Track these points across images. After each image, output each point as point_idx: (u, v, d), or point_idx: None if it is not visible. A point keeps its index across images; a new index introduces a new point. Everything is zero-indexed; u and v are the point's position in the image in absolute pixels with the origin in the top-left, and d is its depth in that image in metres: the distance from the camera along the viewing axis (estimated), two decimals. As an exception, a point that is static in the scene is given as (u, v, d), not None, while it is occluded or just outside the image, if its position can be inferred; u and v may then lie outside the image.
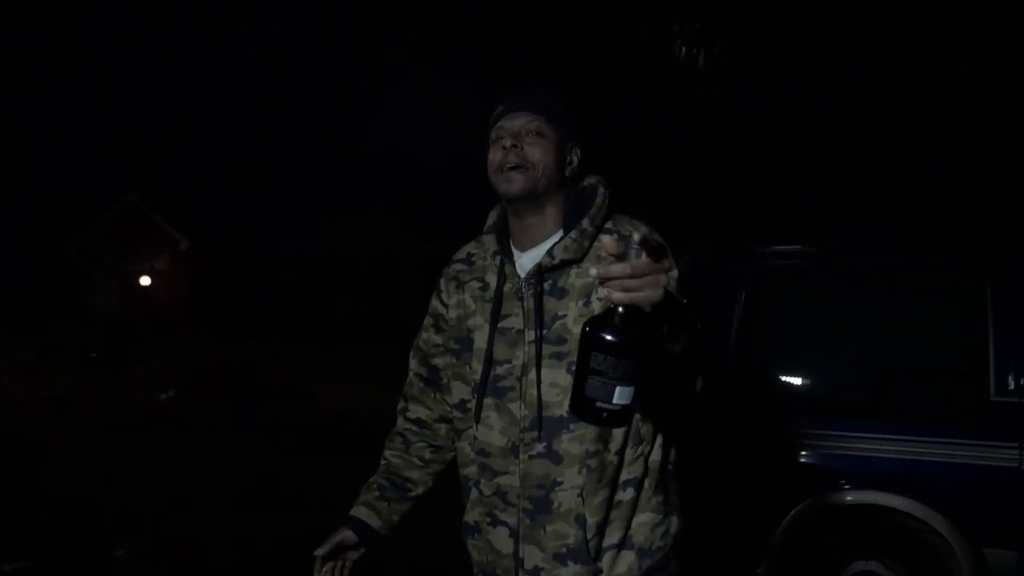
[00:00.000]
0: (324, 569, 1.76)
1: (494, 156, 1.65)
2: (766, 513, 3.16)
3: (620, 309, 1.18)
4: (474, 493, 1.71)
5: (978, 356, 3.00)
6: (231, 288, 23.44)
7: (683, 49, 13.28)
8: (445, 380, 1.79)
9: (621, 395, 1.21)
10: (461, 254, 1.80)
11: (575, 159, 1.70)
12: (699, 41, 13.07)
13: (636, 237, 1.17)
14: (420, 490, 1.86)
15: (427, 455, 1.85)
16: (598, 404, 1.23)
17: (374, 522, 1.80)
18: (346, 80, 20.07)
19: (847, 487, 3.12)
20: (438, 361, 1.81)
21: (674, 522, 1.67)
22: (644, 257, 1.15)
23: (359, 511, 1.82)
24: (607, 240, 1.18)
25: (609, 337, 1.18)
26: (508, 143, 1.63)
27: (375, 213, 22.89)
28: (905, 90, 11.31)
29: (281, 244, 23.91)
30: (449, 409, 1.77)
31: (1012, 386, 2.93)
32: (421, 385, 1.86)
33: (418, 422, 1.86)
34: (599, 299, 1.57)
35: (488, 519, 1.68)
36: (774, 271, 3.43)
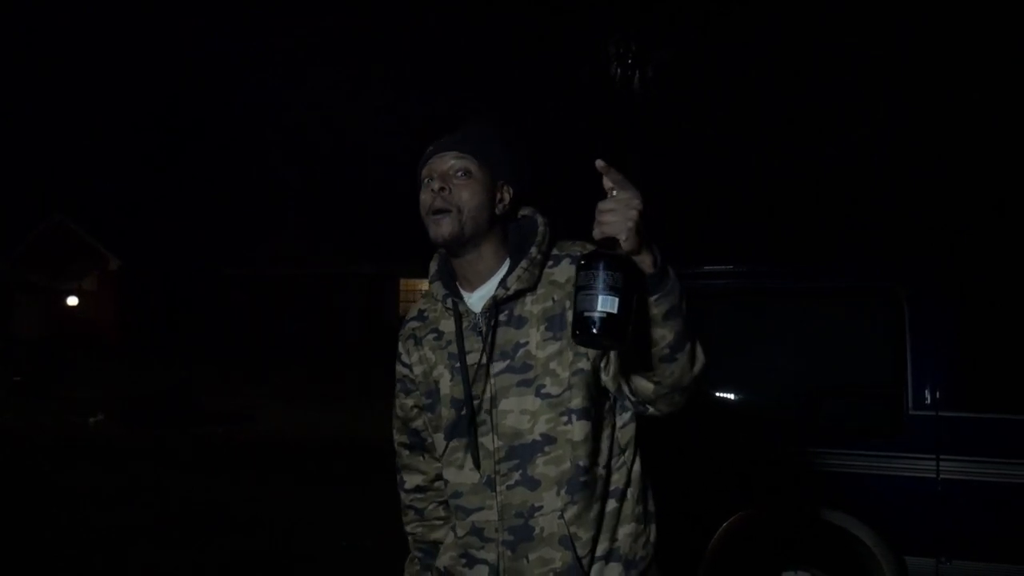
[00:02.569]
0: None
1: (424, 198, 1.66)
2: (700, 524, 3.25)
3: (600, 239, 1.37)
4: (449, 537, 1.72)
5: (897, 372, 3.15)
6: (164, 310, 22.92)
7: (618, 71, 13.54)
8: (428, 439, 1.78)
9: (604, 303, 1.32)
10: (413, 312, 1.81)
11: (507, 196, 1.70)
12: (633, 63, 13.34)
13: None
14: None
15: (442, 512, 1.82)
16: (586, 314, 1.33)
17: None
18: (289, 99, 19.83)
19: (778, 499, 3.24)
20: (417, 424, 1.80)
21: (653, 531, 1.68)
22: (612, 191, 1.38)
23: None
24: (599, 163, 1.40)
25: (590, 256, 1.36)
26: (436, 186, 1.63)
27: (313, 235, 22.66)
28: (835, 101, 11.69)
29: (217, 265, 23.46)
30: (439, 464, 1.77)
31: (928, 400, 3.09)
32: (407, 453, 1.84)
33: (418, 489, 1.84)
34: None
35: (463, 560, 1.66)
36: (703, 293, 3.54)
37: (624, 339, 1.35)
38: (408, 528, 1.86)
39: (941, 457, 3.02)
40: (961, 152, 10.71)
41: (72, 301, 23.50)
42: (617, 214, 1.36)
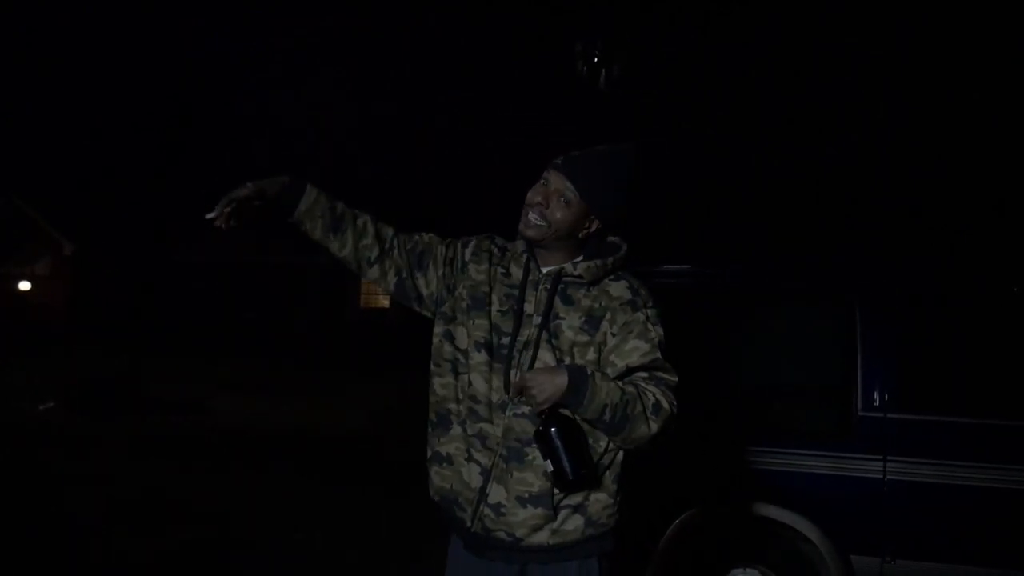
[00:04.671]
0: (227, 209, 1.91)
1: (531, 195, 1.99)
2: (652, 522, 3.28)
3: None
4: (456, 429, 2.00)
5: (847, 374, 3.20)
6: (118, 296, 22.48)
7: (584, 69, 13.54)
8: (406, 275, 2.06)
9: (546, 466, 1.84)
10: (499, 242, 2.11)
11: (592, 227, 2.00)
12: (599, 61, 13.35)
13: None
14: (340, 238, 2.04)
15: (368, 239, 2.04)
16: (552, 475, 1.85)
17: (305, 205, 2.01)
18: (247, 84, 19.54)
19: (728, 497, 3.27)
20: (424, 274, 2.06)
21: (618, 511, 1.98)
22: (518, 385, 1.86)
23: (311, 191, 2.02)
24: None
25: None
26: (539, 199, 1.96)
27: (270, 224, 22.35)
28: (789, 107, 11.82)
29: (173, 253, 23.07)
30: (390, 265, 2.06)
31: (877, 402, 3.14)
32: (408, 247, 2.06)
33: (385, 236, 2.06)
34: (612, 334, 1.93)
35: (465, 454, 1.97)
36: (661, 291, 3.55)
37: (570, 469, 1.81)
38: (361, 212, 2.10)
39: (888, 458, 3.08)
40: (926, 164, 10.90)
41: (24, 286, 22.93)
42: (529, 400, 1.83)
